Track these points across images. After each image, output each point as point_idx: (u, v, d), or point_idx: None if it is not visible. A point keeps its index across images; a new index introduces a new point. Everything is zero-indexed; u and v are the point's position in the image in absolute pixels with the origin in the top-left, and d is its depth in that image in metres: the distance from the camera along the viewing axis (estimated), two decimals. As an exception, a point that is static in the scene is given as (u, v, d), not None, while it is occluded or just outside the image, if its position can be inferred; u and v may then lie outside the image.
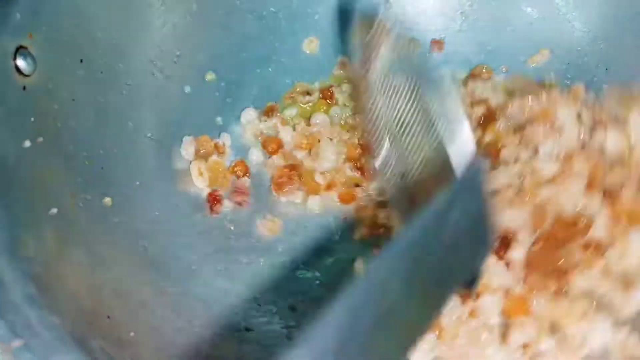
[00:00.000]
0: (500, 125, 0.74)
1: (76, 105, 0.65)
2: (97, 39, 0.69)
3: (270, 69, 0.85)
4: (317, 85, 0.85)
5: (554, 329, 0.61)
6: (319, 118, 0.80)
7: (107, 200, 0.64)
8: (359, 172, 0.77)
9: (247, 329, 0.64)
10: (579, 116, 0.72)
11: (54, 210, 0.56)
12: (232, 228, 0.73)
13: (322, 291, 0.70)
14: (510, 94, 0.79)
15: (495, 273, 0.63)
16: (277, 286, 0.70)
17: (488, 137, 0.75)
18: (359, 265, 0.71)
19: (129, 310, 0.55)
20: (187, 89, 0.79)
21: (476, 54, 0.86)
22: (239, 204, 0.75)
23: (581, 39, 0.81)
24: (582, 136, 0.70)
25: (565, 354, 0.59)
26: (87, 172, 0.63)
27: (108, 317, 0.52)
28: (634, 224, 0.64)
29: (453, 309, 0.61)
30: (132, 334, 0.52)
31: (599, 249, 0.64)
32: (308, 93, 0.85)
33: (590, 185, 0.68)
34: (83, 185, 0.62)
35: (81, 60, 0.67)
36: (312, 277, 0.71)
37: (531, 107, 0.72)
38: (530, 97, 0.73)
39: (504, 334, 0.61)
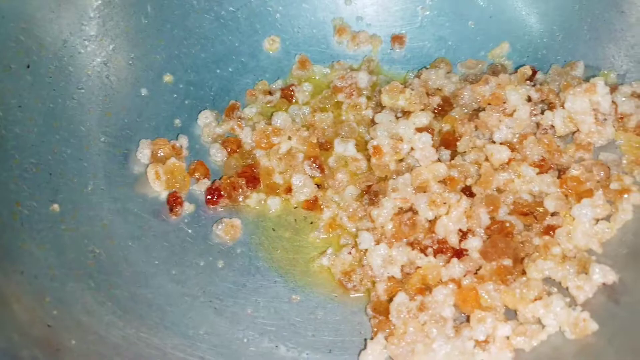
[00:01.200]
0: (456, 113, 0.74)
1: (23, 112, 0.65)
2: (45, 43, 0.69)
3: (230, 69, 0.84)
4: (280, 82, 0.85)
5: (510, 314, 0.61)
6: (280, 117, 0.79)
7: (55, 206, 0.63)
8: (319, 170, 0.76)
9: (205, 333, 0.64)
10: (528, 98, 0.72)
11: (-5, 219, 0.56)
12: (189, 231, 0.73)
13: (282, 291, 0.70)
14: (464, 80, 0.79)
15: (448, 266, 0.63)
16: (236, 288, 0.69)
17: (445, 127, 0.75)
18: (317, 263, 0.71)
19: (72, 318, 0.54)
20: (144, 91, 0.78)
21: (437, 49, 0.85)
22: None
23: (539, 32, 0.80)
24: (533, 117, 0.70)
25: (523, 338, 0.59)
26: (34, 179, 0.63)
27: (49, 325, 0.51)
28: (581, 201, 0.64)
29: (401, 306, 0.60)
30: (73, 341, 0.51)
31: (552, 232, 0.64)
32: (270, 93, 0.84)
33: (542, 167, 0.68)
34: (29, 193, 0.61)
35: (28, 66, 0.67)
36: (271, 277, 0.71)
37: (482, 92, 0.72)
38: (480, 82, 0.73)
39: (457, 328, 0.61)
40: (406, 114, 0.76)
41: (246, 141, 0.79)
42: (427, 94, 0.76)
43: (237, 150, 0.79)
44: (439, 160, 0.72)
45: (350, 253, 0.69)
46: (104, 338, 0.55)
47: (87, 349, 0.52)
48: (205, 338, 0.63)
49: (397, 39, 0.86)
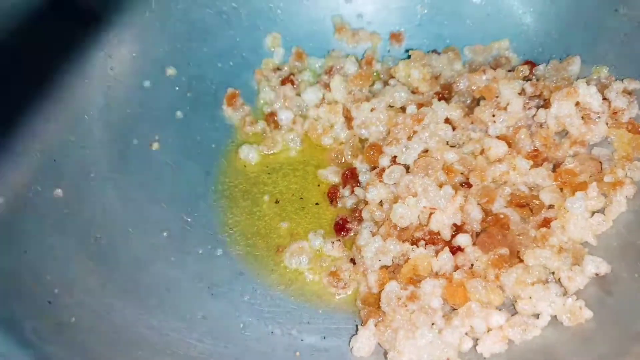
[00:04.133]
0: (454, 101, 0.75)
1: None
2: (51, 34, 0.71)
3: (231, 63, 0.86)
4: (286, 69, 0.86)
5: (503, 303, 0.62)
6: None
7: (58, 191, 0.64)
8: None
9: (202, 318, 0.65)
10: (523, 91, 0.73)
11: (0, 200, 0.57)
12: (189, 220, 0.74)
13: (278, 280, 0.71)
14: (468, 66, 0.81)
15: (438, 257, 0.64)
16: (234, 276, 0.71)
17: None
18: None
19: (73, 297, 0.55)
20: (147, 83, 0.80)
21: (435, 47, 0.86)
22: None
23: (535, 31, 0.82)
24: (527, 110, 0.71)
25: (517, 329, 0.60)
26: (38, 163, 0.64)
27: (49, 302, 0.52)
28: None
29: (391, 294, 0.61)
30: (73, 319, 0.53)
31: (548, 225, 0.65)
32: (279, 69, 0.86)
33: (535, 158, 0.69)
34: (33, 177, 0.62)
35: (34, 55, 0.68)
36: (268, 266, 0.72)
37: (478, 83, 0.74)
38: (478, 72, 0.74)
39: (448, 317, 0.61)
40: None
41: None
42: (429, 79, 0.78)
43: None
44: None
45: (333, 244, 0.71)
46: (103, 318, 0.56)
47: (86, 327, 0.53)
48: (202, 322, 0.64)
49: (395, 36, 0.87)
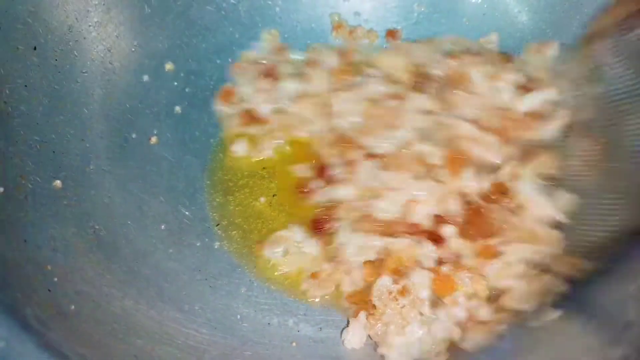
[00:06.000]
0: (427, 89, 0.76)
1: (29, 91, 0.67)
2: (51, 27, 0.71)
3: (230, 60, 0.87)
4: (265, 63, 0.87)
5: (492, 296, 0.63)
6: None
7: (57, 183, 0.65)
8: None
9: (200, 309, 0.66)
10: (495, 76, 0.74)
11: (0, 189, 0.57)
12: (187, 213, 0.75)
13: (275, 273, 0.71)
14: (449, 55, 0.82)
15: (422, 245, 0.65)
16: (231, 269, 0.71)
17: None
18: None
19: (72, 287, 0.56)
20: (145, 78, 0.81)
21: (431, 45, 0.88)
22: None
23: (530, 29, 0.83)
24: (501, 96, 0.72)
25: (504, 321, 0.61)
26: (37, 155, 0.64)
27: (49, 290, 0.53)
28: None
29: (383, 287, 0.62)
30: (72, 307, 0.53)
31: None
32: (258, 62, 0.86)
33: (503, 135, 0.70)
34: (33, 168, 0.63)
35: (34, 48, 0.69)
36: (264, 258, 0.72)
37: (451, 67, 0.75)
38: (449, 59, 0.75)
39: (436, 306, 0.62)
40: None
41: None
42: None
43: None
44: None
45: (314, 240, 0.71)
46: (103, 307, 0.57)
47: (86, 315, 0.54)
48: (200, 313, 0.65)
49: (391, 34, 0.88)
